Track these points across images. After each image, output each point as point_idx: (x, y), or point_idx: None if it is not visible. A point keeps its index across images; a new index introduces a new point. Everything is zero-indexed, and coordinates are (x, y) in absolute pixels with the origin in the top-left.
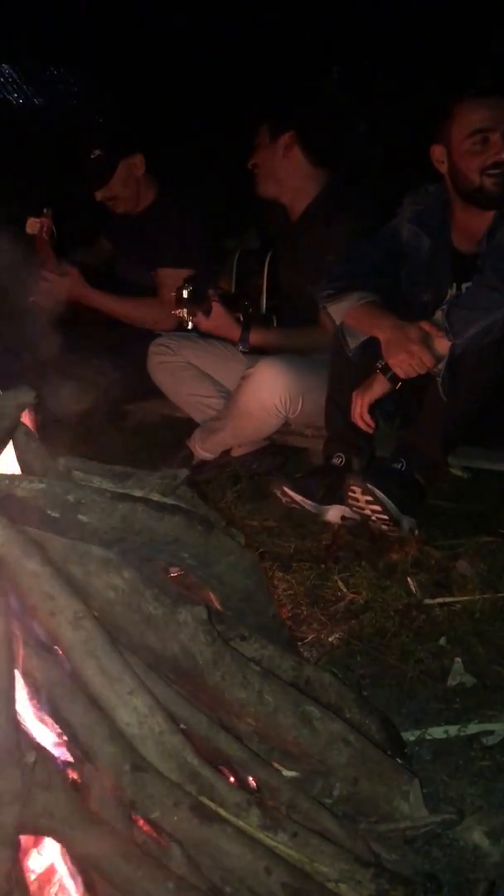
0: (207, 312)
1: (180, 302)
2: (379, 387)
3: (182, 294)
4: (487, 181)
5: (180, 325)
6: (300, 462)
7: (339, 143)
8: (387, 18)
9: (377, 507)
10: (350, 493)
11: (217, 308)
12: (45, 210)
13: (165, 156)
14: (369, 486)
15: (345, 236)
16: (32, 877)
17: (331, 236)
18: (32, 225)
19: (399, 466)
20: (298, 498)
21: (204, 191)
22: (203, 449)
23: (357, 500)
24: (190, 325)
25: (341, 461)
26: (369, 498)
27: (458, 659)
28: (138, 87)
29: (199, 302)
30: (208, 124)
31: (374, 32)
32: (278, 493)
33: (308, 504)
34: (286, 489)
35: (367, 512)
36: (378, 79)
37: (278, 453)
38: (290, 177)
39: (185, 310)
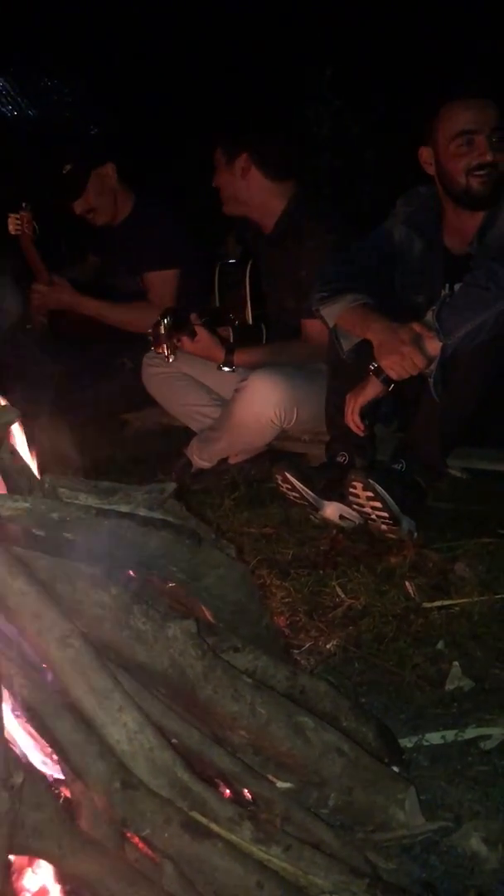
0: (192, 335)
1: (157, 339)
2: (372, 389)
3: (160, 331)
4: (473, 182)
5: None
6: None
7: (299, 152)
8: (381, 18)
9: (378, 504)
10: (351, 489)
11: (201, 332)
12: (23, 205)
13: (155, 164)
14: (371, 481)
15: (315, 249)
16: None
17: (303, 250)
18: (14, 222)
19: (399, 467)
20: (299, 485)
21: (184, 196)
22: (200, 458)
23: (358, 496)
24: (171, 360)
25: (345, 459)
26: (370, 494)
27: (456, 663)
28: (131, 96)
29: (180, 330)
30: (197, 132)
31: (368, 32)
32: (279, 479)
33: (308, 494)
34: (287, 475)
35: (368, 509)
36: (372, 79)
37: (276, 459)
38: (252, 197)
39: (164, 345)
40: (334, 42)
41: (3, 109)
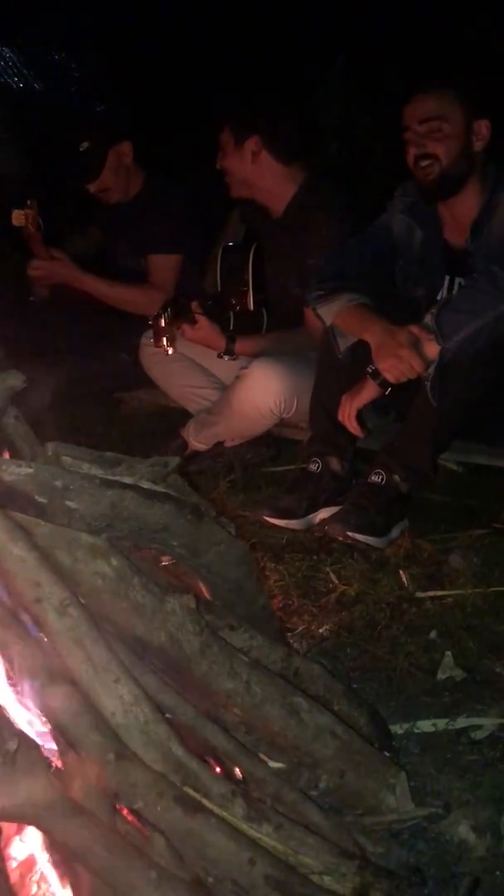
0: (193, 323)
1: (157, 333)
2: (369, 391)
3: (160, 324)
4: (419, 174)
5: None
6: (294, 453)
7: (310, 136)
8: (393, 5)
9: (362, 544)
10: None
11: (202, 321)
12: (28, 202)
13: (163, 142)
14: (349, 534)
15: (327, 236)
16: (14, 864)
17: (312, 238)
18: (18, 217)
19: (379, 480)
20: (282, 523)
21: (194, 177)
22: (196, 440)
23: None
24: (171, 352)
25: (318, 466)
26: (351, 541)
27: (448, 652)
28: (139, 73)
29: (180, 318)
30: (207, 111)
31: (380, 20)
32: (261, 521)
33: (293, 524)
34: (266, 518)
35: (351, 542)
36: (383, 68)
37: (272, 444)
38: (263, 181)
39: (164, 339)
40: (347, 28)
41: (10, 81)
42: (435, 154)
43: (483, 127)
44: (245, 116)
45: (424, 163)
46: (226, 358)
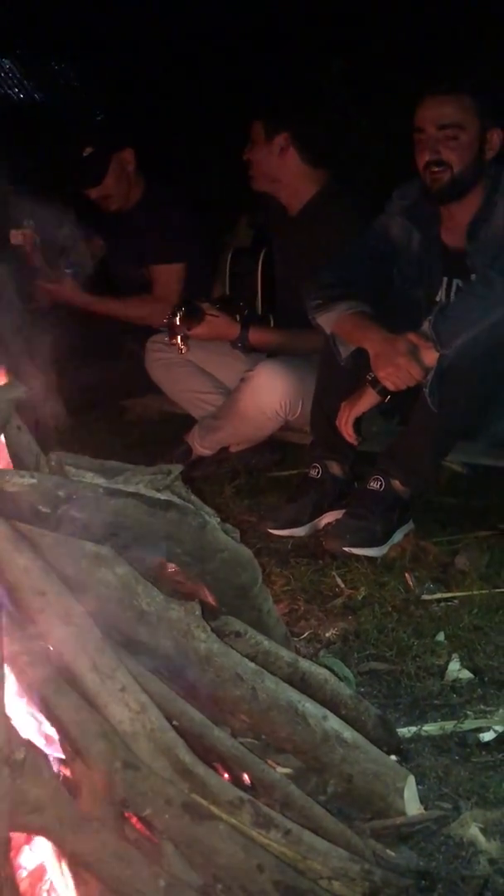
0: (201, 321)
1: (172, 331)
2: (368, 399)
3: (175, 322)
4: (427, 178)
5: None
6: (298, 457)
7: (337, 142)
8: (391, 10)
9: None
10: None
11: (210, 318)
12: (25, 222)
13: (163, 148)
14: (345, 550)
15: (341, 240)
16: (23, 874)
17: (329, 240)
18: (15, 237)
19: (378, 486)
20: (286, 533)
21: (196, 184)
22: (201, 446)
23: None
24: (184, 350)
25: (318, 472)
26: (350, 556)
27: (455, 655)
28: (137, 80)
29: (192, 319)
30: (205, 116)
31: (378, 24)
32: (266, 533)
33: (298, 532)
34: (272, 531)
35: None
36: (381, 72)
37: (276, 449)
38: (285, 177)
39: (178, 337)
40: (345, 32)
41: (10, 92)
42: (448, 162)
43: (495, 137)
44: (280, 112)
45: (436, 169)
46: (239, 346)
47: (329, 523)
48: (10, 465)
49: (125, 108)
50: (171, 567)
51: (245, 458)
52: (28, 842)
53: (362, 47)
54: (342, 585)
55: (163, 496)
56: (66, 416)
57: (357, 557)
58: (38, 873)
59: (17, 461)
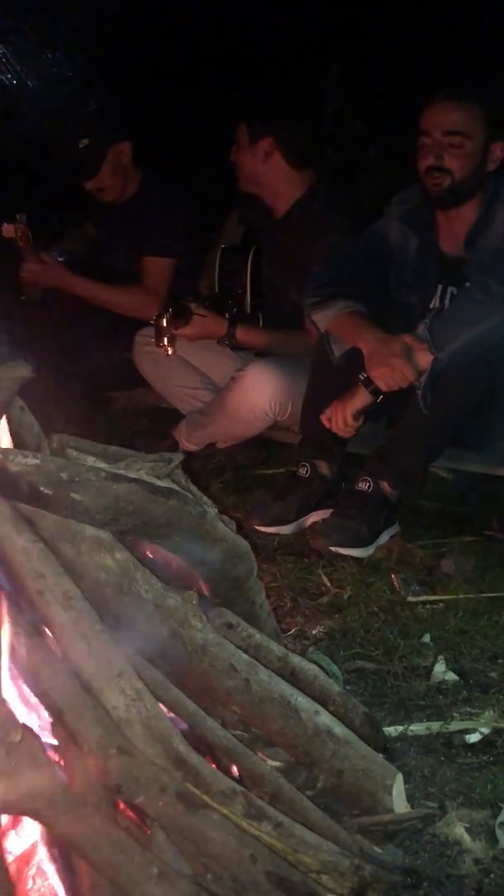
0: (188, 322)
1: (159, 333)
2: (360, 399)
3: (162, 324)
4: (427, 182)
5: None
6: (285, 456)
7: (322, 144)
8: (389, 13)
9: (347, 557)
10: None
11: (198, 318)
12: (17, 216)
13: (158, 142)
14: (331, 549)
15: (329, 243)
16: (10, 858)
17: (314, 242)
18: (7, 230)
19: (366, 487)
20: (272, 530)
21: (190, 178)
22: (188, 441)
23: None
24: (171, 352)
25: (307, 471)
26: (336, 555)
27: (441, 656)
28: (133, 72)
29: (180, 320)
30: (201, 111)
31: (376, 27)
32: (252, 531)
33: (284, 530)
34: (257, 528)
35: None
36: (378, 75)
37: (263, 446)
38: (270, 180)
39: (166, 339)
40: (343, 35)
41: (3, 78)
42: (450, 169)
43: (498, 150)
44: (263, 116)
45: (437, 174)
46: (226, 343)
47: (316, 522)
48: (13, 445)
49: (121, 99)
50: (170, 554)
51: (232, 454)
52: (15, 826)
53: (360, 51)
54: (328, 584)
55: (164, 484)
56: (54, 406)
57: (343, 557)
58: (27, 857)
59: (20, 441)
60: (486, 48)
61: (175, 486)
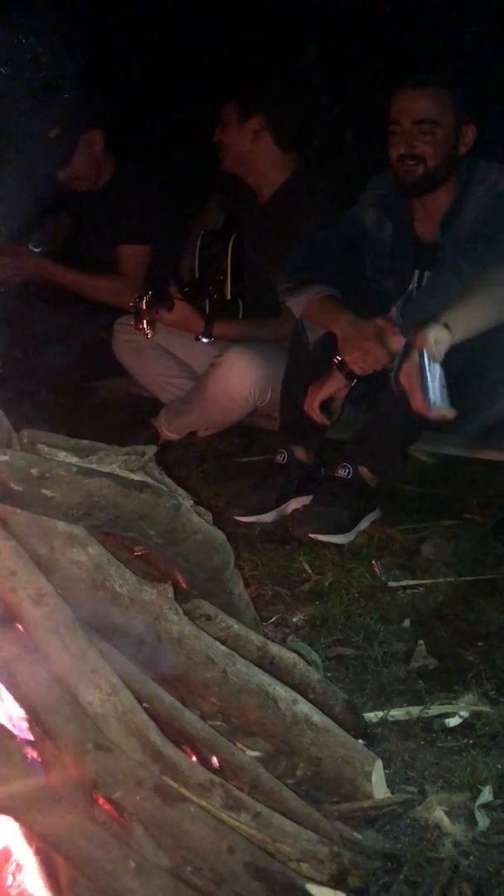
0: (170, 308)
1: (138, 315)
2: (334, 383)
3: (141, 306)
4: (400, 170)
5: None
6: (266, 444)
7: (311, 127)
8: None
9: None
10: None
11: (180, 304)
12: None
13: (132, 128)
14: (312, 536)
15: (309, 226)
16: None
17: (299, 225)
18: None
19: (345, 473)
20: (252, 519)
21: (166, 164)
22: (169, 430)
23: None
24: (150, 335)
25: (284, 457)
26: (316, 542)
27: (421, 641)
28: (106, 58)
29: (160, 303)
30: (176, 95)
31: (354, 10)
32: (232, 521)
33: (264, 518)
34: (237, 518)
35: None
36: (356, 59)
37: (244, 434)
38: (257, 161)
39: (145, 321)
40: (320, 16)
41: None
42: (423, 156)
43: (470, 132)
44: (254, 94)
45: (410, 162)
46: (203, 340)
47: (296, 509)
48: None
49: (93, 87)
50: (143, 548)
51: (212, 443)
52: None
53: (338, 35)
54: (309, 571)
55: (137, 477)
56: (32, 395)
57: (324, 544)
58: (5, 855)
59: None
60: (460, 28)
61: (148, 480)
